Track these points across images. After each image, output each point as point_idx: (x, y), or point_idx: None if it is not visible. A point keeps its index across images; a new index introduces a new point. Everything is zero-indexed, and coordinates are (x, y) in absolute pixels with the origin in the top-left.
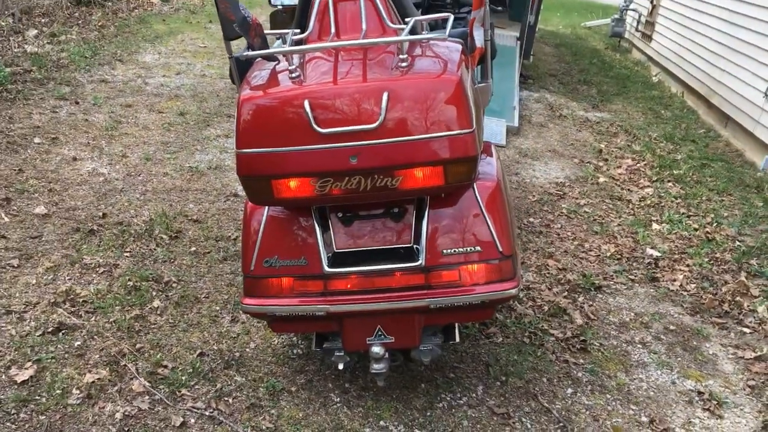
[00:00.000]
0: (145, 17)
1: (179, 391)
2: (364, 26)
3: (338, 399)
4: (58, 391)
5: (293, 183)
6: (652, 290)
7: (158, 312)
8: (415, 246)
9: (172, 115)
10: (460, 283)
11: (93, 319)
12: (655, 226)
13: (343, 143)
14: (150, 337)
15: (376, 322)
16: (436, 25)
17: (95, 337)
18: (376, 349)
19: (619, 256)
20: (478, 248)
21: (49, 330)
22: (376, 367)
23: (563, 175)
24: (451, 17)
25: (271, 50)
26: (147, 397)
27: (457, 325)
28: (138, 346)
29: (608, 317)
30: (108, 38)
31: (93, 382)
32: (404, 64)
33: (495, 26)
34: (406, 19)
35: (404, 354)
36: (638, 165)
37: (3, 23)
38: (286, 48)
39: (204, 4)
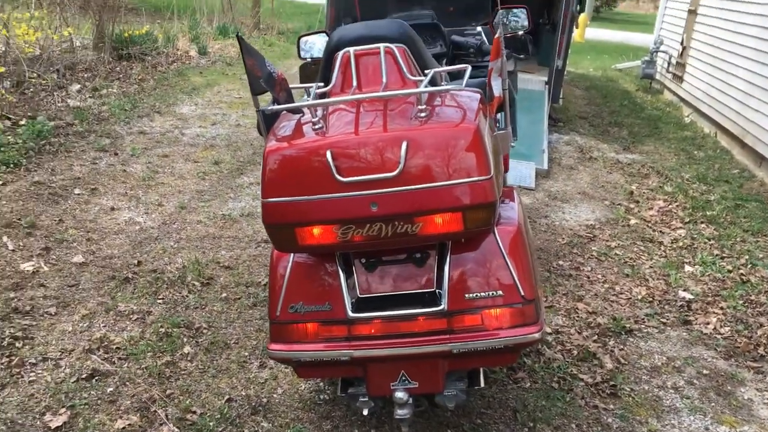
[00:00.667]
0: (183, 70)
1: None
2: (384, 79)
3: None
4: None
5: (316, 230)
6: (684, 334)
7: (188, 358)
8: (438, 291)
9: (206, 164)
10: (483, 327)
11: (125, 365)
12: (687, 268)
13: (363, 191)
14: (180, 383)
15: (399, 367)
16: (458, 75)
17: (127, 383)
18: (400, 395)
19: (651, 299)
20: (500, 292)
21: (83, 376)
22: (400, 412)
23: (593, 217)
24: (469, 68)
25: (294, 104)
26: None
27: (482, 370)
28: (168, 392)
29: (639, 361)
30: (147, 91)
31: (124, 428)
32: (423, 114)
33: (523, 71)
34: (426, 71)
35: (429, 399)
36: (670, 206)
37: (48, 79)
38: (308, 102)
39: (239, 56)
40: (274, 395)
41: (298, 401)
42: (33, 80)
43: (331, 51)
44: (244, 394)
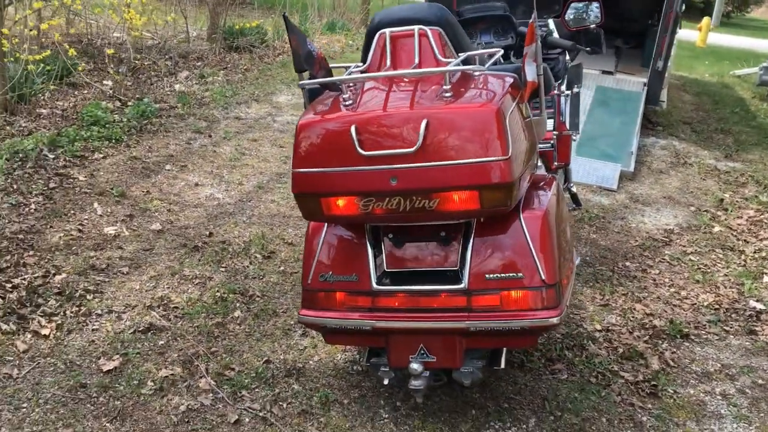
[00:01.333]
0: (286, 62)
1: (240, 392)
2: (416, 59)
3: (387, 415)
4: (135, 382)
5: (341, 201)
6: (747, 343)
7: (237, 321)
8: (460, 270)
9: (291, 149)
10: (501, 308)
11: (180, 323)
12: (766, 279)
13: (383, 165)
14: (225, 343)
15: (419, 341)
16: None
17: (177, 338)
18: (415, 366)
19: (717, 307)
20: (521, 275)
21: (140, 329)
22: (414, 383)
23: (674, 222)
24: (500, 52)
25: (324, 80)
26: (211, 394)
27: (504, 351)
28: (213, 349)
29: (690, 366)
30: (250, 80)
31: (167, 376)
32: (448, 94)
33: (622, 72)
34: (460, 54)
35: (448, 375)
36: (762, 216)
37: (162, 65)
38: (336, 78)
39: (343, 51)
40: (311, 362)
41: (332, 369)
42: (148, 66)
43: (370, 32)
44: (282, 357)
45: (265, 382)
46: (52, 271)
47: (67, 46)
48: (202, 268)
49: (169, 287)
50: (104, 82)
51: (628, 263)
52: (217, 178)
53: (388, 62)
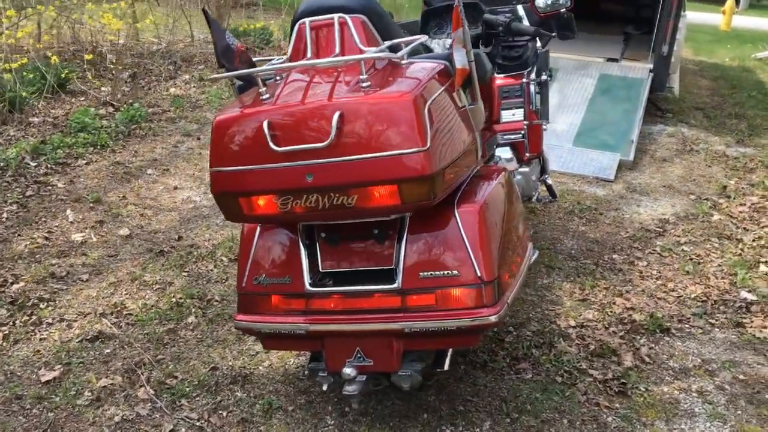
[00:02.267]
0: None
1: (179, 401)
2: (337, 49)
3: (332, 422)
4: (72, 393)
5: (261, 201)
6: (733, 336)
7: (190, 327)
8: (395, 268)
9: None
10: (436, 307)
11: (131, 330)
12: (762, 268)
13: (297, 162)
14: (174, 350)
15: (355, 344)
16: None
17: (125, 346)
18: (347, 370)
19: (705, 299)
20: (456, 272)
21: (88, 338)
22: (348, 389)
23: (671, 211)
24: (421, 39)
25: (230, 73)
26: (149, 404)
27: (450, 352)
28: (159, 357)
29: (667, 362)
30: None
31: (105, 386)
32: (366, 85)
33: (628, 59)
34: (385, 42)
35: (389, 378)
36: (767, 202)
37: (163, 69)
38: (243, 71)
39: None
40: (260, 367)
41: (282, 375)
42: (149, 71)
43: (294, 22)
44: (231, 364)
45: (208, 389)
46: (10, 280)
47: (50, 54)
48: (164, 273)
49: (126, 293)
50: (102, 88)
51: (615, 256)
52: (198, 181)
53: (309, 53)
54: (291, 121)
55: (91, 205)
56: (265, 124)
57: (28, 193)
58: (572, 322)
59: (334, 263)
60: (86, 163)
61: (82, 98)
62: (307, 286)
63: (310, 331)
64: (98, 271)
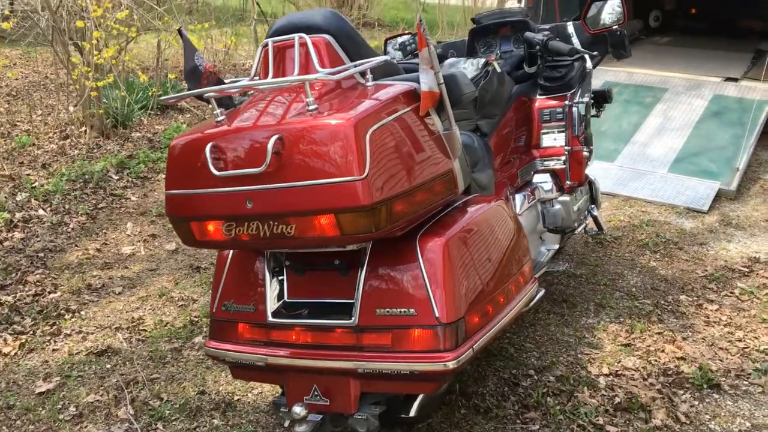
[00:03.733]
0: None
1: (155, 424)
2: (296, 70)
3: None
4: (58, 406)
5: (210, 226)
6: None
7: (195, 347)
8: (354, 303)
9: None
10: (391, 348)
11: (139, 346)
12: None
13: (236, 187)
14: (171, 370)
15: (312, 381)
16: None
17: (126, 363)
18: (296, 410)
19: None
20: (413, 311)
21: (96, 351)
22: (297, 430)
23: (766, 250)
24: (374, 61)
25: (181, 94)
26: (126, 424)
27: (420, 397)
28: (154, 376)
29: (708, 423)
30: None
31: (91, 402)
32: (311, 108)
33: (750, 78)
34: (349, 64)
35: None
36: None
37: None
38: (192, 92)
39: None
40: (249, 395)
41: (267, 404)
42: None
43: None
44: (221, 389)
45: (188, 414)
46: (48, 290)
47: (140, 72)
48: (192, 290)
49: (151, 308)
50: (204, 106)
51: (682, 297)
52: None
53: (270, 73)
54: (231, 144)
55: (153, 219)
56: (207, 148)
57: (100, 205)
58: (606, 370)
59: (300, 293)
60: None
61: (188, 115)
62: (269, 316)
63: (269, 364)
64: (133, 284)
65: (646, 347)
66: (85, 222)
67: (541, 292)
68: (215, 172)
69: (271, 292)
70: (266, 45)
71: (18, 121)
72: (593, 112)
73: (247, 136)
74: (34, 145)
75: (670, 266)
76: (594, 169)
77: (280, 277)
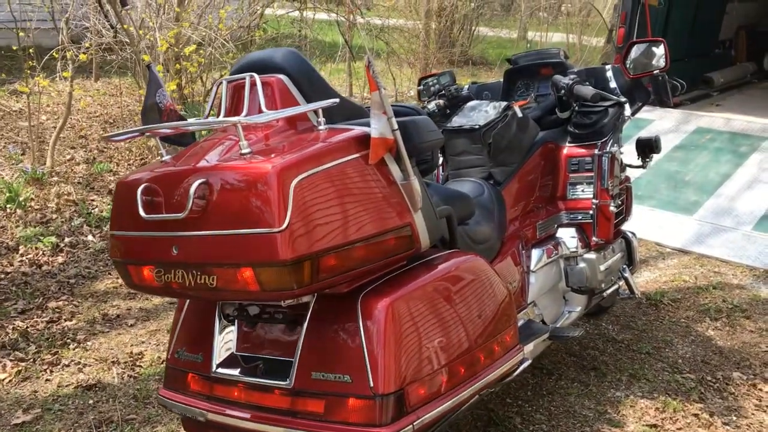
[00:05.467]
0: None
1: None
2: (245, 111)
3: None
4: None
5: (144, 270)
6: None
7: None
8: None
9: None
10: (324, 416)
11: (129, 383)
12: None
13: (162, 232)
14: (150, 412)
15: None
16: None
17: (110, 400)
18: None
19: None
20: (348, 378)
21: (85, 385)
22: None
23: None
24: (330, 102)
25: (123, 131)
26: None
27: None
28: (131, 416)
29: None
30: None
31: None
32: (245, 151)
33: None
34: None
35: None
36: None
37: None
38: (130, 130)
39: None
40: None
41: None
42: None
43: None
44: None
45: None
46: (64, 317)
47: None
48: None
49: (155, 344)
50: None
51: (735, 374)
52: None
53: (222, 113)
54: (163, 187)
55: None
56: (139, 190)
57: None
58: None
59: (248, 346)
60: None
61: None
62: (214, 369)
63: (209, 420)
64: (147, 317)
65: (675, 430)
66: None
67: (527, 362)
68: (143, 215)
69: (219, 343)
70: (221, 83)
71: (104, 148)
72: (638, 162)
73: (176, 179)
74: (111, 171)
75: (730, 337)
76: (668, 223)
77: (232, 328)
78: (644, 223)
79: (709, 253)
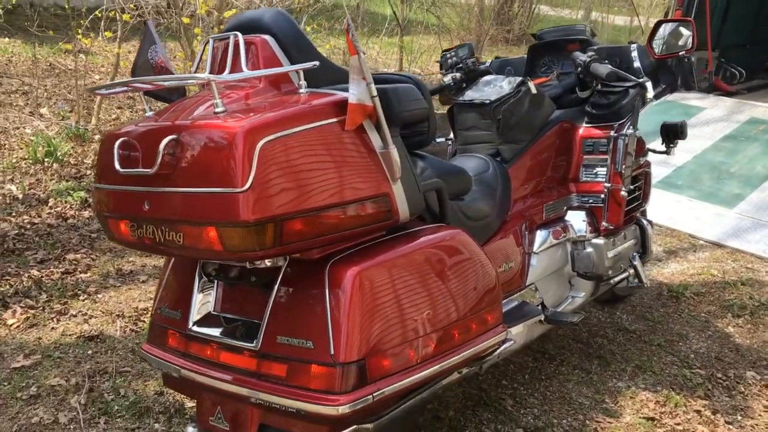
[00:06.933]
0: None
1: (99, 418)
2: (228, 69)
3: None
4: (22, 384)
5: (121, 225)
6: None
7: None
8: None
9: None
10: (285, 381)
11: (129, 337)
12: None
13: (135, 186)
14: (144, 366)
15: (217, 403)
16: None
17: (108, 351)
18: (189, 430)
19: None
20: (311, 344)
21: (87, 336)
22: None
23: None
24: (310, 65)
25: (108, 84)
26: (73, 413)
27: None
28: (125, 369)
29: None
30: None
31: (52, 386)
32: (219, 110)
33: None
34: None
35: None
36: None
37: None
38: (113, 83)
39: None
40: None
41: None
42: None
43: None
44: (179, 395)
45: (134, 413)
46: (80, 270)
47: None
48: None
49: None
50: None
51: (749, 372)
52: None
53: (207, 70)
54: (135, 142)
55: None
56: (116, 144)
57: None
58: None
59: (228, 307)
60: None
61: None
62: (190, 326)
63: (182, 376)
64: (156, 275)
65: (673, 425)
66: None
67: (510, 343)
68: (119, 169)
69: (197, 302)
70: (208, 41)
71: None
72: (662, 148)
73: (152, 135)
74: None
75: (750, 335)
76: (706, 214)
77: (211, 288)
78: (681, 213)
79: (745, 248)
